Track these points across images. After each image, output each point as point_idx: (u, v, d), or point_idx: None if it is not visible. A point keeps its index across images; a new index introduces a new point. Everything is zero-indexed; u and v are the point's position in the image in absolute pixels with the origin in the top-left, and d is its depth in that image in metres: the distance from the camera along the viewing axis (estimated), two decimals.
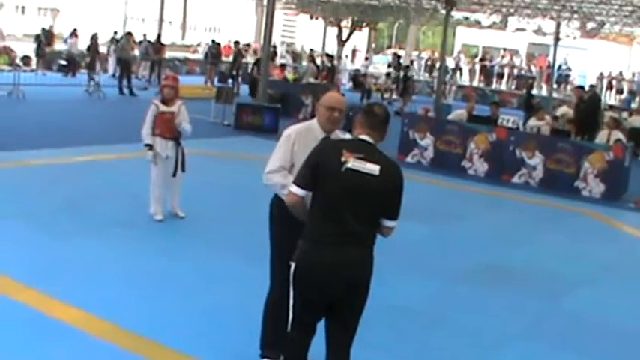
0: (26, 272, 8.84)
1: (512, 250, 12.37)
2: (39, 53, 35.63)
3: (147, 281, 9.06)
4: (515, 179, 18.63)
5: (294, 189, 5.64)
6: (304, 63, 42.56)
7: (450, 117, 21.79)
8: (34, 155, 15.64)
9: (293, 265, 5.61)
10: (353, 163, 5.43)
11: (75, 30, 38.73)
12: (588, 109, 23.10)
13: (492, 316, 9.13)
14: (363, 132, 5.66)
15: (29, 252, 9.75)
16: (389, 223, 5.67)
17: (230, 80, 34.20)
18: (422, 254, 11.10)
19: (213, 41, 39.72)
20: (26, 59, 35.00)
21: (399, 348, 7.83)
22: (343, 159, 5.44)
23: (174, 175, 11.80)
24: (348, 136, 6.30)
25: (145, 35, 37.44)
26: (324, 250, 5.47)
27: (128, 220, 11.65)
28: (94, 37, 36.91)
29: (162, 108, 11.64)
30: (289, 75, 34.06)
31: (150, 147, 11.62)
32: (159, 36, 37.54)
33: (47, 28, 40.02)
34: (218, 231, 11.65)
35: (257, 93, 25.75)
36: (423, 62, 59.08)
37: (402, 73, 37.04)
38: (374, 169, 5.43)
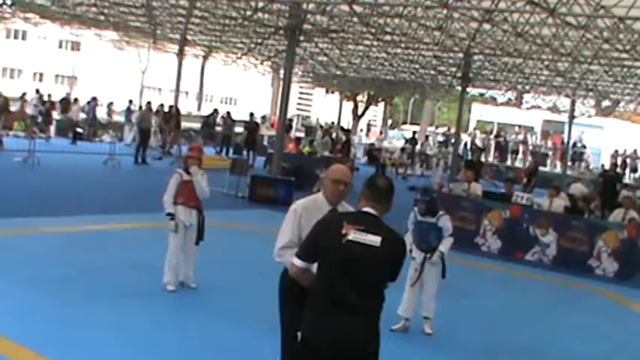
0: (33, 337, 8.81)
1: (524, 329, 12.27)
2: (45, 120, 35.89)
3: (156, 351, 9.01)
4: (529, 256, 18.53)
5: (295, 260, 5.74)
6: (319, 133, 42.73)
7: (451, 186, 22.04)
8: (48, 222, 15.70)
9: (299, 335, 5.64)
10: (354, 235, 5.46)
11: (95, 97, 39.20)
12: (607, 186, 23.08)
13: None
14: (367, 204, 5.71)
15: (36, 317, 9.72)
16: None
17: (245, 152, 34.39)
18: (434, 330, 11.04)
19: (251, 114, 39.00)
20: (41, 126, 35.30)
21: None
22: (344, 231, 5.48)
23: (197, 243, 11.86)
24: (351, 210, 6.37)
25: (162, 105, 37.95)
26: (326, 321, 5.48)
27: (138, 289, 11.60)
28: (110, 106, 37.35)
29: (186, 177, 11.72)
30: (306, 148, 34.22)
31: (171, 216, 11.66)
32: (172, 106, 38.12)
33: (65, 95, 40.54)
34: (229, 303, 11.58)
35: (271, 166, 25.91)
36: (438, 138, 59.27)
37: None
38: (375, 240, 5.46)
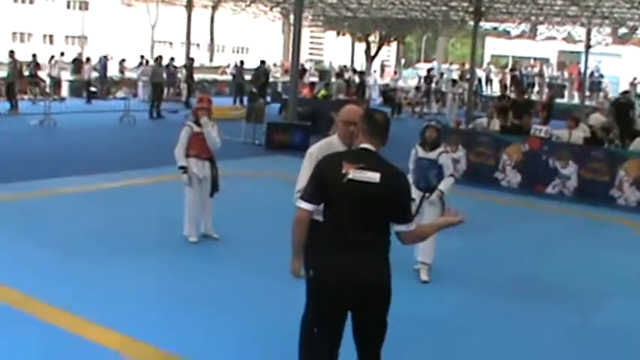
0: (61, 296, 8.88)
1: (546, 261, 12.24)
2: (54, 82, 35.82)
3: (183, 303, 9.08)
4: (549, 189, 18.46)
5: (303, 204, 5.74)
6: (333, 80, 42.56)
7: (472, 125, 21.86)
8: (68, 183, 15.75)
9: (310, 273, 5.72)
10: (354, 173, 5.50)
11: (105, 55, 39.14)
12: (620, 115, 22.89)
13: (525, 328, 9.03)
14: (365, 140, 5.72)
15: (63, 277, 9.82)
16: (400, 227, 5.70)
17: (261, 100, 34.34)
18: (453, 267, 10.98)
19: (262, 62, 39.06)
20: (56, 88, 35.24)
21: None
22: (344, 170, 5.51)
23: (211, 195, 11.87)
24: None
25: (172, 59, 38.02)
26: (331, 259, 5.55)
27: (161, 243, 11.67)
28: (122, 63, 37.29)
29: (197, 129, 11.69)
30: (320, 92, 34.06)
31: (184, 169, 11.66)
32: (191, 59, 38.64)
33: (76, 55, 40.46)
34: (252, 251, 11.63)
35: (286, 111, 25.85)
36: (453, 74, 58.94)
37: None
38: (374, 176, 5.49)
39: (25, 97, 33.15)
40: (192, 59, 39.19)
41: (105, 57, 39.73)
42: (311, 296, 5.89)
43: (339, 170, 5.53)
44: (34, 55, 35.53)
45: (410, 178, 10.30)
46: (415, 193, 10.13)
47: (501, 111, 22.61)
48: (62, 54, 37.45)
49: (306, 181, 6.37)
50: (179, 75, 38.75)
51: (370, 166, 5.53)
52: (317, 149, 6.56)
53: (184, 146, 11.68)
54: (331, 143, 6.57)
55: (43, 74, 36.43)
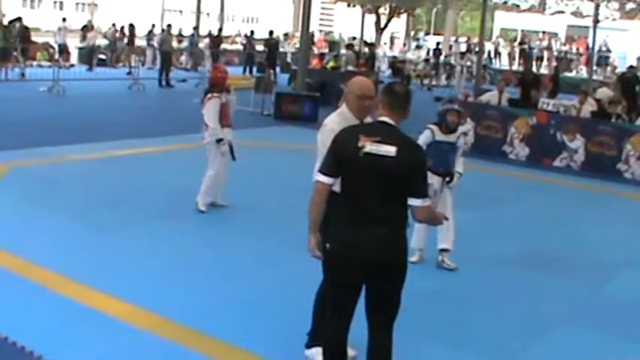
0: (69, 265, 8.95)
1: (555, 235, 12.30)
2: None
3: (193, 271, 9.15)
4: (557, 163, 18.53)
5: (322, 177, 5.69)
6: (342, 51, 42.46)
7: (482, 98, 21.81)
8: (78, 150, 15.83)
9: (327, 246, 5.70)
10: (370, 147, 5.45)
11: (114, 24, 39.09)
12: (626, 89, 22.87)
13: (536, 300, 9.10)
14: (384, 113, 5.68)
15: (72, 245, 9.90)
16: (415, 202, 5.59)
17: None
18: (463, 240, 10.97)
19: (271, 32, 38.85)
20: (65, 55, 35.18)
21: (442, 333, 7.85)
22: (360, 144, 5.48)
23: (234, 158, 11.95)
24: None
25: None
26: (348, 232, 5.55)
27: (171, 211, 11.75)
28: (132, 29, 37.16)
29: (224, 99, 11.76)
30: (330, 63, 34.03)
31: (222, 141, 11.71)
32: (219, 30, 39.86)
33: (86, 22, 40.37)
34: (262, 219, 11.71)
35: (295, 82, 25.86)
36: (461, 47, 58.78)
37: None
38: (390, 150, 5.44)
39: (34, 63, 33.20)
40: (219, 30, 40.66)
41: (114, 25, 39.69)
42: (326, 270, 5.88)
43: (355, 143, 5.49)
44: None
45: None
46: (433, 178, 9.49)
47: (527, 86, 22.73)
48: (64, 20, 37.20)
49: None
50: (200, 44, 39.25)
51: (386, 140, 5.49)
52: (337, 124, 6.31)
53: (217, 117, 11.71)
54: (344, 116, 6.44)
55: (51, 40, 36.40)
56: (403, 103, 5.72)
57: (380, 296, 5.73)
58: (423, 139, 9.68)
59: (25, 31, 32.08)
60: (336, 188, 5.71)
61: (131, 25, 37.49)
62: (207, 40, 40.00)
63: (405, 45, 61.28)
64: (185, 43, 41.61)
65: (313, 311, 6.84)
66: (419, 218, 5.78)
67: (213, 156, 11.79)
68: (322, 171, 5.72)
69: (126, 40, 37.76)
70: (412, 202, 5.61)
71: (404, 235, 5.69)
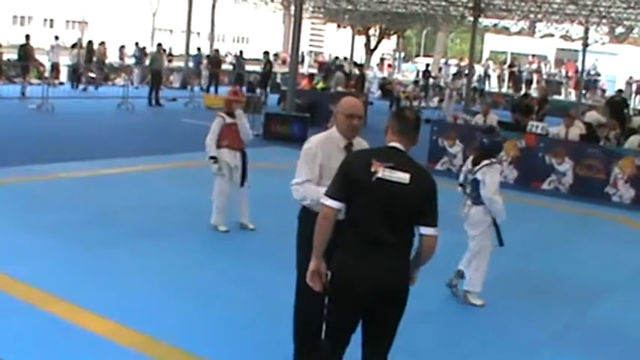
0: (57, 284, 8.91)
1: (542, 257, 12.34)
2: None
3: (178, 290, 9.13)
4: (545, 185, 18.58)
5: (331, 202, 5.50)
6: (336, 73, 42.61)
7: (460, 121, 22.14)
8: (66, 168, 15.81)
9: (329, 274, 5.60)
10: (383, 172, 5.34)
11: (103, 42, 39.07)
12: (615, 113, 23.00)
13: (521, 322, 9.11)
14: (394, 138, 5.59)
15: (59, 263, 9.85)
16: (426, 230, 5.49)
17: (258, 90, 34.41)
18: (448, 261, 11.00)
19: (266, 52, 39.22)
20: (55, 72, 35.14)
21: (429, 354, 7.86)
22: (373, 169, 5.36)
23: (242, 184, 12.09)
24: (365, 144, 6.38)
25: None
26: (355, 260, 5.42)
27: (158, 230, 11.74)
28: (121, 49, 37.25)
29: (229, 120, 11.90)
30: (319, 84, 34.10)
31: (214, 159, 11.82)
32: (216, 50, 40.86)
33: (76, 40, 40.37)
34: (249, 240, 11.73)
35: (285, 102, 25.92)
36: (451, 69, 58.99)
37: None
38: (404, 177, 5.34)
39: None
40: (218, 50, 41.41)
41: (102, 43, 39.69)
42: (329, 295, 5.66)
43: (367, 168, 5.37)
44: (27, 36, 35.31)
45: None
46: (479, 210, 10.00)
47: (525, 111, 22.96)
48: (57, 37, 37.15)
49: (304, 174, 6.31)
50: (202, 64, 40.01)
51: (400, 166, 5.40)
52: (315, 144, 6.37)
53: (216, 136, 11.85)
54: (330, 137, 6.43)
55: (42, 58, 36.34)
56: (413, 129, 5.65)
57: (380, 324, 5.63)
58: (463, 171, 10.06)
59: (31, 49, 32.26)
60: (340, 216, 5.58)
61: (121, 47, 37.59)
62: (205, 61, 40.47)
63: (390, 66, 61.55)
64: (177, 63, 41.87)
65: (293, 334, 6.81)
66: (428, 248, 5.58)
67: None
68: (331, 195, 5.53)
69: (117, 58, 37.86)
70: (424, 230, 5.51)
71: (408, 264, 5.59)
